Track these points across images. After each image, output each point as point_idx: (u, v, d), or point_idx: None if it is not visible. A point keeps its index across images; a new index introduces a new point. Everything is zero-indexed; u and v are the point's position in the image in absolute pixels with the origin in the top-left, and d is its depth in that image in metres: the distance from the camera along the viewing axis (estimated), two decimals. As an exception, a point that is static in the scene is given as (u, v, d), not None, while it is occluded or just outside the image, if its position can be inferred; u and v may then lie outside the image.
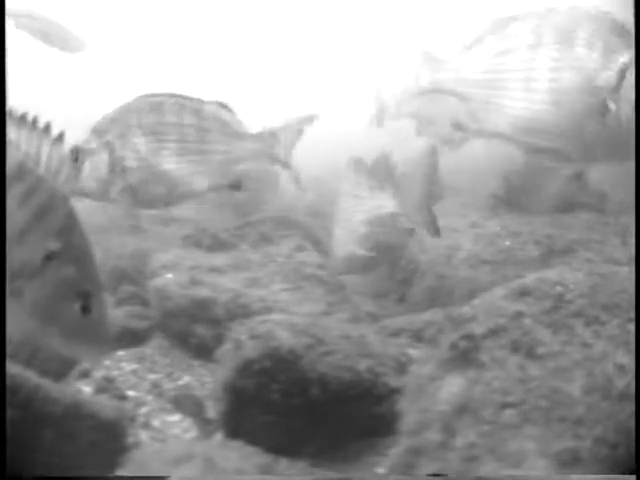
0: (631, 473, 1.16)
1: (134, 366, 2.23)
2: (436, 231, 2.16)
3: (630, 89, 1.25)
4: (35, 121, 1.11)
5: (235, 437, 1.61)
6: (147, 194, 1.74)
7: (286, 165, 1.85)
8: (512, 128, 1.44)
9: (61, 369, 2.08)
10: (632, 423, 1.19)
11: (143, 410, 1.93)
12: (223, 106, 1.78)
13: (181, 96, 1.76)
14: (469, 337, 1.35)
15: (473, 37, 1.47)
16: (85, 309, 1.12)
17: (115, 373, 2.16)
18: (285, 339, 1.65)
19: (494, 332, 1.35)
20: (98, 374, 2.13)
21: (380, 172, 2.38)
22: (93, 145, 1.69)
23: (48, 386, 1.55)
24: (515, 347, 1.32)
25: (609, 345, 1.29)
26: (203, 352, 2.20)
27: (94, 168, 1.68)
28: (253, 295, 2.37)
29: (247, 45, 9.58)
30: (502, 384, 1.27)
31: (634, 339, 1.29)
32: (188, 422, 1.87)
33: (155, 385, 2.10)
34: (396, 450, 1.31)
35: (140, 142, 1.70)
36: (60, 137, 1.12)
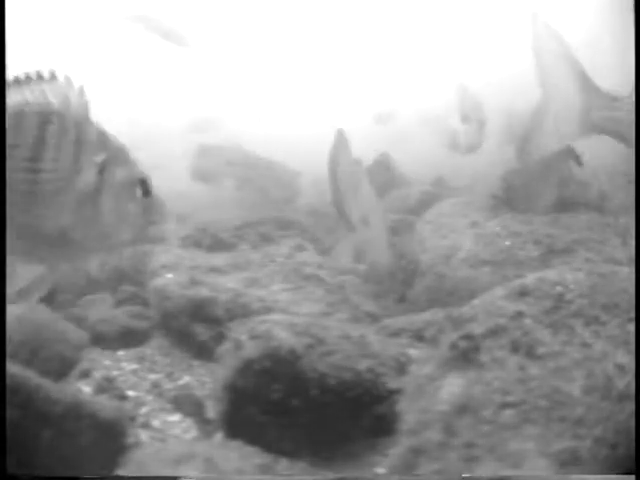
0: (631, 473, 1.16)
1: (134, 366, 2.23)
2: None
3: None
4: (54, 74, 1.23)
5: (235, 437, 1.61)
6: None
7: None
8: None
9: (61, 369, 2.08)
10: (632, 423, 1.19)
11: (143, 410, 1.93)
12: None
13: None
14: (469, 337, 1.35)
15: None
16: (146, 193, 1.29)
17: (115, 373, 2.16)
18: (285, 339, 1.65)
19: (494, 332, 1.35)
20: (98, 374, 2.13)
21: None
22: None
23: (48, 386, 1.55)
24: (515, 347, 1.32)
25: (609, 345, 1.29)
26: (203, 352, 2.20)
27: None
28: (253, 295, 2.37)
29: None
30: (502, 384, 1.27)
31: (634, 339, 1.29)
32: (188, 422, 1.87)
33: (155, 385, 2.10)
34: (396, 450, 1.31)
35: None
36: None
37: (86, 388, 2.04)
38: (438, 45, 8.78)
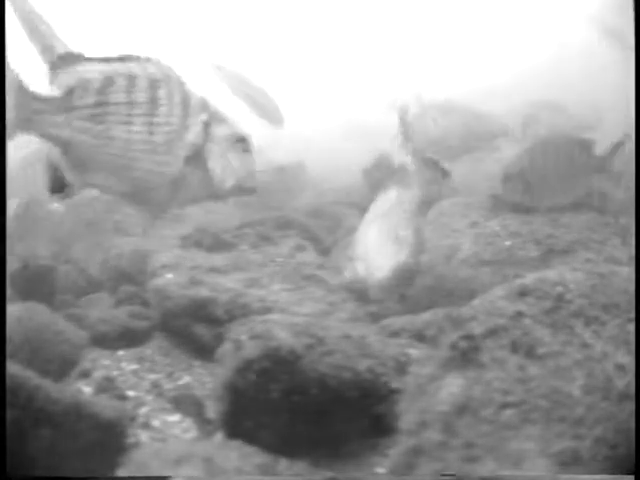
0: (631, 473, 1.16)
1: (134, 366, 2.23)
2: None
3: None
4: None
5: (235, 437, 1.61)
6: None
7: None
8: None
9: (61, 369, 2.08)
10: (632, 423, 1.19)
11: (143, 410, 1.93)
12: None
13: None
14: (469, 337, 1.35)
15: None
16: (245, 149, 1.47)
17: (115, 373, 2.16)
18: (285, 339, 1.65)
19: (494, 332, 1.35)
20: (98, 374, 2.13)
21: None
22: None
23: (48, 386, 1.55)
24: (515, 347, 1.32)
25: (609, 345, 1.29)
26: (203, 352, 2.20)
27: None
28: (253, 295, 2.37)
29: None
30: (502, 384, 1.27)
31: (634, 339, 1.29)
32: (188, 422, 1.87)
33: (155, 385, 2.10)
34: (396, 450, 1.31)
35: None
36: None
37: (86, 388, 2.04)
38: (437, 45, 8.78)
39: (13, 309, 2.05)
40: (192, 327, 2.32)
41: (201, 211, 3.75)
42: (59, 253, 3.16)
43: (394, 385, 1.61)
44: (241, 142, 1.48)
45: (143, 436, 1.79)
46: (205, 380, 2.11)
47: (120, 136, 1.41)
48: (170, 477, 1.43)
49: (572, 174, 2.68)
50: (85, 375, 2.11)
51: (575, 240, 2.57)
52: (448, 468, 1.21)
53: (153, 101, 1.42)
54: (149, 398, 2.01)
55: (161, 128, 1.42)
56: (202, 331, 2.29)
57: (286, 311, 2.24)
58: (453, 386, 1.30)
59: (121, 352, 2.32)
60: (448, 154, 3.29)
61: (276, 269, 2.61)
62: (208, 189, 1.49)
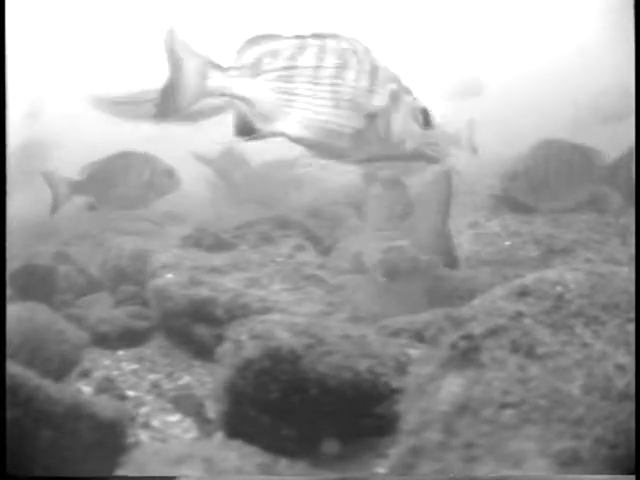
0: (631, 473, 1.16)
1: (134, 366, 2.23)
2: (453, 261, 2.18)
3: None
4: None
5: (235, 437, 1.61)
6: None
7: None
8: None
9: (61, 369, 2.08)
10: (632, 423, 1.19)
11: (143, 410, 1.93)
12: None
13: None
14: (469, 337, 1.35)
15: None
16: (427, 122, 1.56)
17: (115, 373, 2.16)
18: (285, 339, 1.65)
19: (494, 332, 1.35)
20: (98, 374, 2.13)
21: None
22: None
23: (48, 386, 1.55)
24: (515, 347, 1.32)
25: (609, 345, 1.29)
26: (203, 352, 2.20)
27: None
28: (253, 295, 2.37)
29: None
30: (502, 384, 1.27)
31: (634, 339, 1.29)
32: (188, 422, 1.87)
33: (155, 385, 2.10)
34: (396, 450, 1.31)
35: None
36: None
37: (86, 388, 2.04)
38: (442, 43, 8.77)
39: (13, 309, 2.05)
40: (192, 327, 2.32)
41: (201, 211, 3.75)
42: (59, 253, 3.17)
43: (394, 385, 1.61)
44: (423, 114, 1.57)
45: (143, 436, 1.79)
46: (205, 380, 2.11)
47: (305, 93, 1.54)
48: (175, 477, 1.43)
49: (571, 180, 2.68)
50: (85, 375, 2.12)
51: (575, 240, 2.57)
52: (448, 468, 1.21)
53: (342, 67, 1.54)
54: (149, 398, 2.01)
55: (347, 89, 1.53)
56: (202, 331, 2.29)
57: (286, 311, 2.24)
58: (453, 386, 1.30)
59: (121, 352, 2.32)
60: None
61: (276, 269, 2.61)
62: (386, 147, 1.57)
